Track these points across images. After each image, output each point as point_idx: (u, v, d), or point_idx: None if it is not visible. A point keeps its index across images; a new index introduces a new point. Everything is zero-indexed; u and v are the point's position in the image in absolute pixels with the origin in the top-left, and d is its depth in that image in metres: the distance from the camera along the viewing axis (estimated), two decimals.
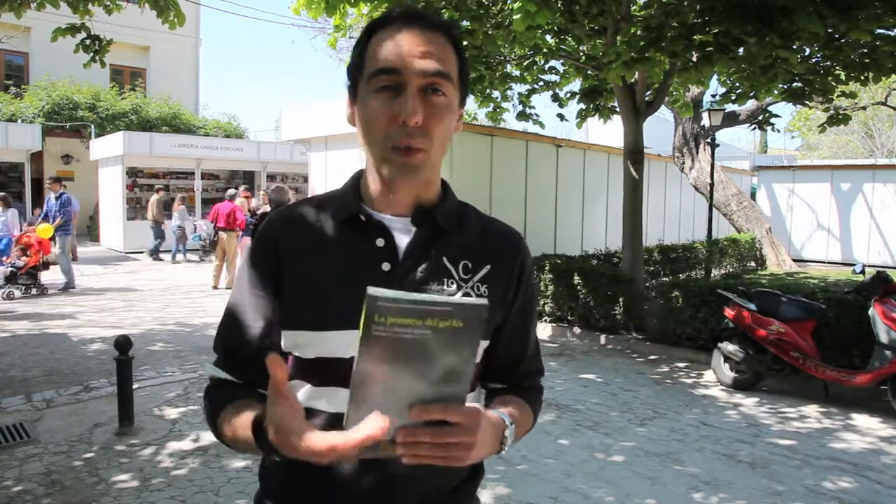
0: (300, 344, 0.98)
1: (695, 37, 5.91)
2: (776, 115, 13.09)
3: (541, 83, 9.08)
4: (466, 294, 0.99)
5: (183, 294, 9.57)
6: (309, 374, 0.98)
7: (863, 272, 5.33)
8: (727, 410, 4.75)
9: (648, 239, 10.80)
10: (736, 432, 4.26)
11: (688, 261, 11.01)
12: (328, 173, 10.67)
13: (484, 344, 1.04)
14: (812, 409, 4.79)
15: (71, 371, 5.35)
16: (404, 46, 0.92)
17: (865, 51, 6.41)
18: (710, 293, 6.05)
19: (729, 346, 5.23)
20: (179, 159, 15.71)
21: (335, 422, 0.91)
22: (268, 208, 10.26)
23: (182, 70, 21.56)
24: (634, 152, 7.55)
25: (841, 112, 8.18)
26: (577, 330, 7.18)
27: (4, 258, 9.16)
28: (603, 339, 6.92)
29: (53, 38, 5.54)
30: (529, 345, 1.13)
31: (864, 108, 15.85)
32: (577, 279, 7.19)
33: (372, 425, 0.72)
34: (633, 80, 7.15)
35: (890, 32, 6.15)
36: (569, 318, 7.37)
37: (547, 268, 7.50)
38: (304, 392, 0.98)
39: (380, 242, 0.98)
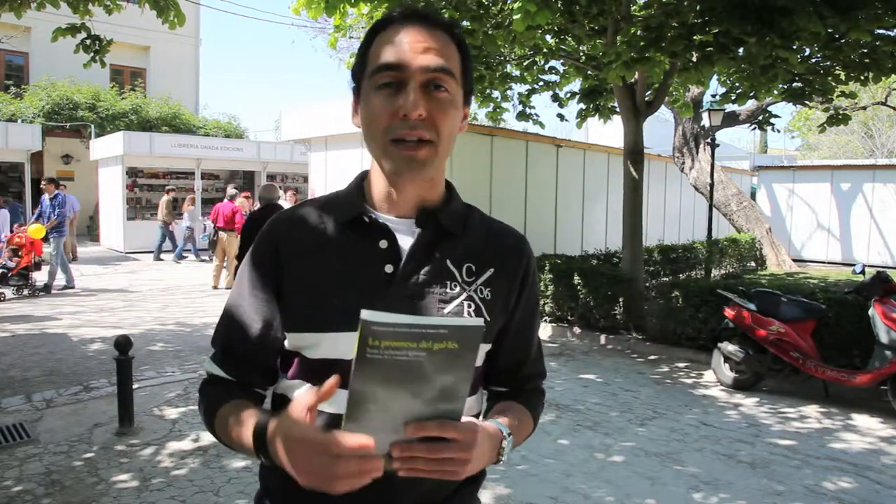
0: (304, 345, 0.98)
1: (695, 37, 5.91)
2: (776, 115, 13.12)
3: (541, 83, 9.08)
4: (469, 297, 0.99)
5: (183, 294, 9.57)
6: (311, 375, 0.98)
7: (863, 272, 5.33)
8: (727, 410, 4.75)
9: (648, 239, 10.80)
10: (736, 432, 4.26)
11: (688, 261, 11.02)
12: (328, 173, 10.66)
13: (486, 347, 1.03)
14: (812, 409, 4.79)
15: (71, 371, 5.35)
16: (406, 43, 0.92)
17: (865, 51, 6.41)
18: (710, 293, 6.05)
19: (729, 346, 5.23)
20: (179, 159, 15.70)
21: (335, 423, 0.91)
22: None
23: (182, 70, 21.56)
24: (634, 152, 7.55)
25: (841, 112, 8.18)
26: (577, 330, 7.18)
27: None
28: (603, 339, 6.92)
29: (53, 38, 5.54)
30: (532, 348, 1.12)
31: (864, 108, 15.85)
32: (577, 279, 7.19)
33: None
34: (633, 80, 7.15)
35: (890, 32, 6.15)
36: (569, 318, 7.37)
37: (547, 268, 7.50)
38: (303, 392, 0.98)
39: (383, 244, 0.97)
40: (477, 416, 1.06)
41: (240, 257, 5.28)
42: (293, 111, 11.72)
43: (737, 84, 8.17)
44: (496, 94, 8.95)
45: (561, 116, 9.58)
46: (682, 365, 6.08)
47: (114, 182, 15.39)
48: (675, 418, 4.52)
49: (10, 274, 8.74)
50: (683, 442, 4.07)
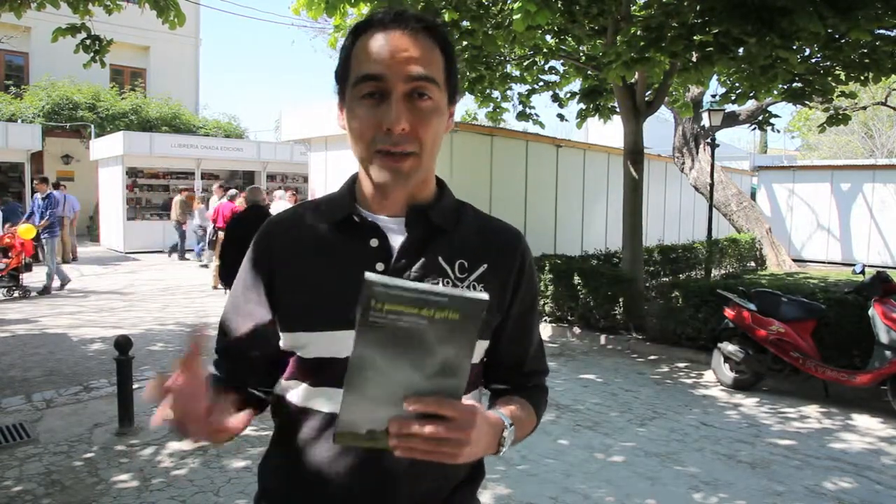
0: (298, 345, 0.98)
1: (695, 37, 5.91)
2: (776, 115, 13.10)
3: (541, 83, 9.08)
4: None
5: (183, 294, 9.57)
6: (306, 374, 0.98)
7: (863, 272, 5.33)
8: (727, 410, 4.75)
9: (648, 239, 10.80)
10: (736, 432, 4.26)
11: (688, 261, 11.02)
12: (328, 173, 10.67)
13: (484, 344, 1.03)
14: (812, 409, 4.79)
15: (71, 371, 5.35)
16: (388, 51, 0.91)
17: (865, 51, 6.41)
18: (710, 293, 6.05)
19: (729, 346, 5.23)
20: (179, 159, 15.70)
21: (332, 422, 0.91)
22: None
23: (182, 70, 21.56)
24: (634, 152, 7.55)
25: (841, 112, 8.18)
26: (577, 330, 7.18)
27: None
28: (603, 339, 6.92)
29: (53, 38, 5.54)
30: (532, 344, 1.12)
31: (864, 108, 15.85)
32: (577, 279, 7.19)
33: None
34: (633, 80, 7.15)
35: (890, 32, 6.15)
36: (569, 318, 7.37)
37: (547, 268, 7.50)
38: (301, 392, 0.99)
39: (374, 243, 0.98)
40: None
41: (222, 256, 5.28)
42: (293, 111, 11.72)
43: (737, 84, 8.17)
44: (496, 94, 8.94)
45: (561, 116, 9.57)
46: (682, 365, 6.08)
47: (114, 182, 15.39)
48: (675, 418, 4.52)
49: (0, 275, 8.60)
50: (683, 442, 4.07)
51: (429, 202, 1.02)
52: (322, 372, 0.96)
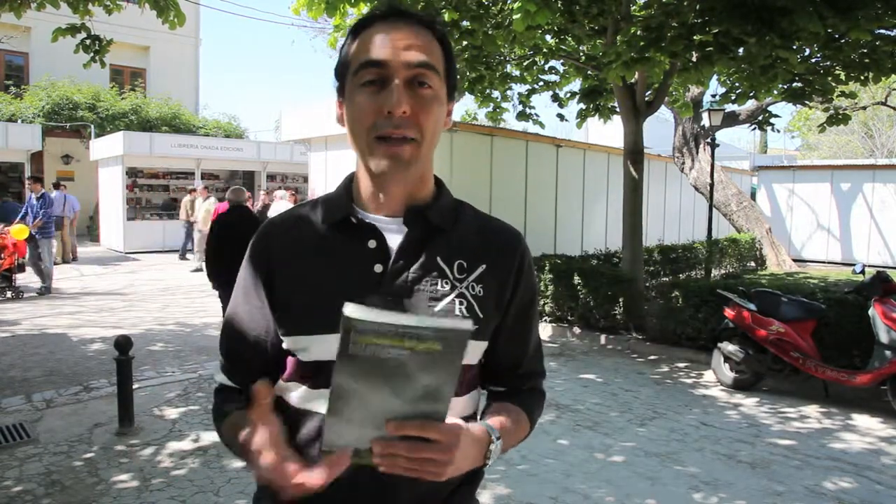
0: (297, 348, 0.98)
1: (695, 37, 5.91)
2: (776, 115, 13.10)
3: (541, 83, 9.07)
4: (460, 294, 0.98)
5: (183, 294, 9.57)
6: (306, 376, 0.98)
7: (863, 272, 5.33)
8: (727, 410, 4.75)
9: (648, 239, 10.80)
10: (736, 432, 4.26)
11: (688, 261, 11.02)
12: (328, 173, 10.67)
13: (483, 345, 1.03)
14: (812, 409, 4.79)
15: (71, 371, 5.35)
16: (389, 40, 0.92)
17: (865, 51, 6.41)
18: (710, 293, 6.05)
19: (729, 346, 5.23)
20: (179, 159, 15.70)
21: None
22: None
23: (182, 70, 21.56)
24: (634, 152, 7.55)
25: (841, 112, 8.18)
26: (577, 330, 7.18)
27: None
28: (603, 339, 6.92)
29: (53, 38, 5.54)
30: (529, 346, 1.11)
31: (864, 108, 15.84)
32: (577, 279, 7.19)
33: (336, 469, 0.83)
34: (633, 80, 7.15)
35: (890, 32, 6.15)
36: (569, 318, 7.37)
37: (547, 268, 7.50)
38: (300, 393, 0.99)
39: (371, 244, 0.97)
40: (473, 415, 1.06)
41: (207, 254, 5.47)
42: (293, 111, 11.72)
43: (737, 84, 8.17)
44: (496, 94, 8.93)
45: (561, 116, 9.57)
46: (682, 365, 6.08)
47: (114, 182, 15.39)
48: (675, 418, 4.52)
49: None
50: (683, 442, 4.07)
51: (427, 202, 1.02)
52: (321, 374, 0.95)
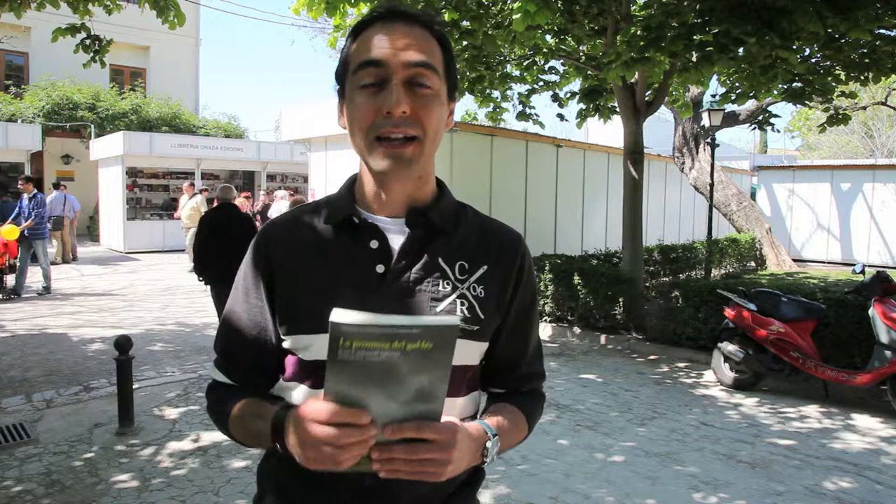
0: (299, 347, 0.98)
1: (695, 37, 5.90)
2: (776, 115, 13.10)
3: (541, 83, 9.07)
4: (462, 295, 0.98)
5: (183, 294, 9.57)
6: (307, 376, 0.98)
7: (863, 272, 5.33)
8: (727, 410, 4.75)
9: (648, 239, 10.80)
10: (736, 432, 4.26)
11: (688, 261, 11.01)
12: (328, 173, 10.67)
13: (483, 345, 1.03)
14: (812, 409, 4.79)
15: (71, 371, 5.35)
16: (387, 40, 0.93)
17: (865, 51, 6.40)
18: (710, 293, 6.05)
19: (729, 346, 5.23)
20: (179, 159, 15.71)
21: None
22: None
23: (182, 70, 21.57)
24: (634, 152, 7.55)
25: (841, 112, 8.17)
26: (577, 330, 7.18)
27: None
28: (603, 339, 6.92)
29: (53, 38, 5.55)
30: (529, 347, 1.11)
31: (864, 108, 15.85)
32: (577, 279, 7.19)
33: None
34: (633, 80, 7.15)
35: (890, 32, 6.15)
36: (569, 318, 7.37)
37: (547, 268, 7.50)
38: (301, 393, 0.99)
39: (374, 244, 0.98)
40: (474, 417, 1.06)
41: (195, 250, 5.67)
42: (293, 111, 11.72)
43: (737, 84, 8.17)
44: (496, 94, 8.94)
45: (561, 116, 9.57)
46: (682, 365, 6.08)
47: (114, 182, 15.39)
48: (675, 418, 4.52)
49: None
50: (683, 442, 4.07)
51: (429, 203, 1.02)
52: (322, 373, 0.95)
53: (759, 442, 4.09)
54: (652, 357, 6.38)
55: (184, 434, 4.02)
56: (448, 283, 0.98)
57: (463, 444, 0.85)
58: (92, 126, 16.99)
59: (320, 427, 0.78)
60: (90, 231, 17.67)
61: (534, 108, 9.30)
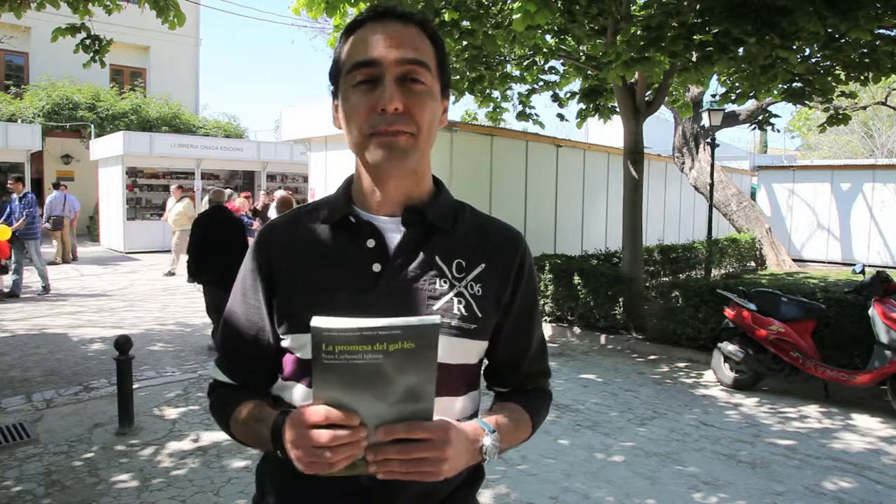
0: (297, 346, 0.98)
1: (695, 37, 5.90)
2: (776, 115, 13.13)
3: (541, 83, 9.07)
4: (459, 293, 0.98)
5: (183, 294, 9.57)
6: (304, 375, 0.98)
7: (863, 272, 5.33)
8: (727, 410, 4.75)
9: (648, 239, 10.80)
10: (736, 432, 4.26)
11: (688, 261, 11.01)
12: (328, 173, 10.66)
13: (483, 345, 1.03)
14: (812, 409, 4.79)
15: (71, 371, 5.35)
16: (379, 39, 0.93)
17: (865, 51, 6.40)
18: (710, 293, 6.05)
19: (729, 346, 5.23)
20: (179, 159, 15.70)
21: None
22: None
23: (182, 70, 21.57)
24: (634, 152, 7.55)
25: (841, 112, 8.17)
26: (577, 330, 7.18)
27: None
28: (603, 339, 6.92)
29: (53, 38, 5.54)
30: (531, 345, 1.11)
31: (864, 108, 15.85)
32: (577, 279, 7.19)
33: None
34: (633, 80, 7.15)
35: (890, 32, 6.14)
36: (569, 318, 7.37)
37: (547, 268, 7.50)
38: (300, 392, 0.99)
39: (370, 243, 0.98)
40: (474, 416, 1.06)
41: (189, 252, 5.89)
42: (293, 111, 11.72)
43: (737, 84, 8.17)
44: (496, 94, 8.93)
45: (561, 116, 9.57)
46: (682, 365, 6.08)
47: (114, 182, 15.39)
48: (675, 418, 4.52)
49: None
50: (683, 442, 4.07)
51: (426, 201, 1.02)
52: None
53: (759, 442, 4.09)
54: (652, 357, 6.38)
55: (184, 434, 4.02)
56: (445, 282, 0.98)
57: (458, 442, 0.85)
58: (92, 126, 16.99)
59: (312, 430, 0.79)
60: (90, 231, 17.66)
61: (534, 108, 9.30)
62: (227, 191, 11.27)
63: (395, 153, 0.93)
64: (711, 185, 11.13)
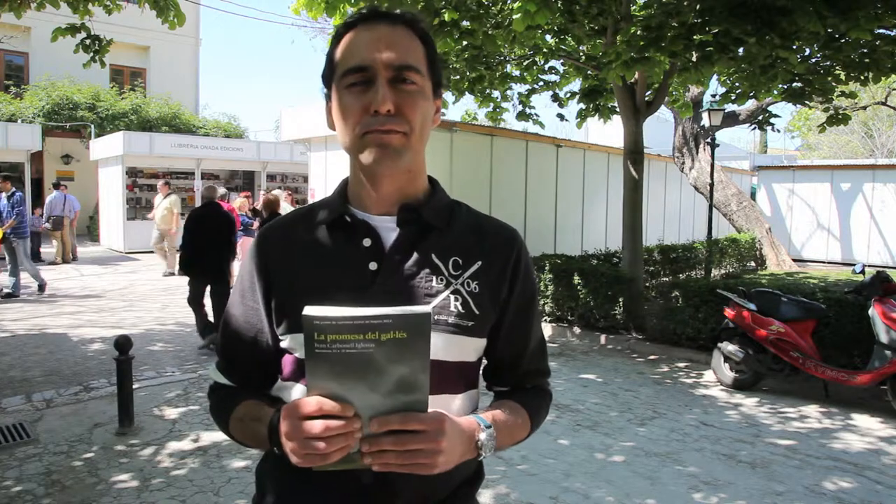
0: (296, 345, 0.98)
1: (695, 37, 5.90)
2: (776, 115, 13.14)
3: (541, 83, 9.07)
4: (456, 291, 0.99)
5: (183, 294, 9.54)
6: (303, 375, 0.98)
7: (863, 272, 5.33)
8: (727, 410, 4.75)
9: (648, 239, 10.80)
10: (736, 432, 4.26)
11: (688, 261, 11.02)
12: (328, 173, 10.66)
13: (480, 342, 1.03)
14: (812, 409, 4.79)
15: (71, 371, 5.35)
16: (370, 43, 0.94)
17: (865, 51, 6.40)
18: (710, 293, 6.05)
19: (729, 346, 5.23)
20: (179, 159, 15.69)
21: None
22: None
23: (182, 70, 21.56)
24: (634, 152, 7.55)
25: (841, 112, 8.17)
26: (577, 330, 7.18)
27: None
28: (603, 339, 6.92)
29: (53, 38, 5.55)
30: (529, 343, 1.10)
31: (864, 108, 15.85)
32: (577, 279, 7.19)
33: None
34: (633, 80, 7.15)
35: (890, 32, 6.14)
36: (569, 318, 7.37)
37: (547, 268, 7.50)
38: (299, 392, 0.99)
39: (366, 242, 0.99)
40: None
41: (182, 248, 6.18)
42: (293, 111, 11.72)
43: (737, 84, 8.17)
44: (496, 94, 8.94)
45: (561, 116, 9.57)
46: (682, 365, 6.08)
47: (114, 182, 15.39)
48: (675, 418, 4.52)
49: None
50: (683, 442, 4.07)
51: (421, 200, 1.03)
52: None
53: (759, 442, 4.09)
54: (652, 357, 6.38)
55: (184, 434, 4.02)
56: (441, 279, 0.99)
57: (453, 434, 0.85)
58: (92, 126, 16.99)
59: (305, 421, 0.79)
60: (90, 231, 17.66)
61: (534, 108, 9.31)
62: (222, 190, 11.34)
63: (387, 152, 0.94)
64: (711, 185, 11.13)
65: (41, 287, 9.10)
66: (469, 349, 1.01)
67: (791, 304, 5.09)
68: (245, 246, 9.28)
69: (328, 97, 1.02)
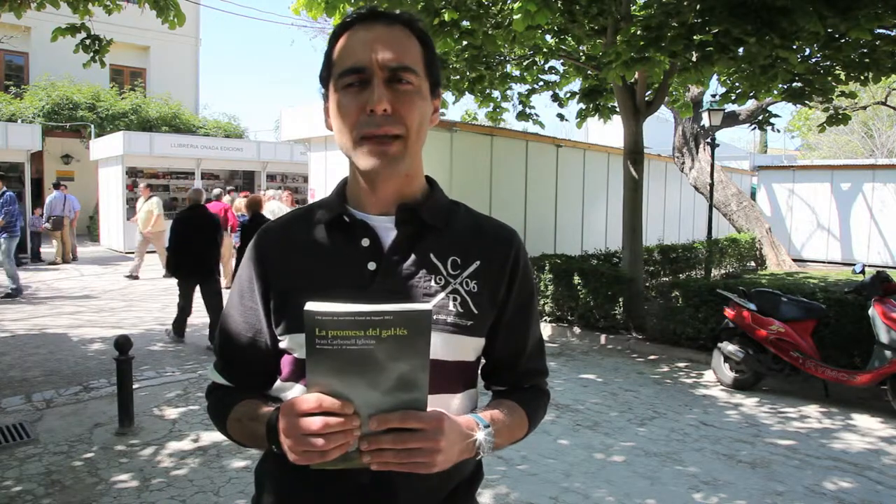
0: (295, 345, 0.99)
1: (695, 37, 5.91)
2: (776, 115, 13.14)
3: (541, 83, 9.07)
4: (454, 290, 0.99)
5: None
6: (302, 375, 0.98)
7: (863, 272, 5.33)
8: (727, 410, 4.75)
9: (648, 239, 10.79)
10: (736, 432, 4.26)
11: (688, 261, 11.02)
12: (328, 173, 10.66)
13: (480, 342, 1.03)
14: (812, 409, 4.79)
15: (71, 371, 5.35)
16: (366, 44, 0.94)
17: (865, 51, 6.40)
18: (710, 293, 6.05)
19: (729, 346, 5.23)
20: (179, 159, 15.70)
21: None
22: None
23: (182, 70, 21.56)
24: (634, 152, 7.55)
25: (841, 112, 8.17)
26: (577, 330, 7.18)
27: None
28: (603, 339, 6.92)
29: (53, 38, 5.55)
30: (528, 342, 1.11)
31: (864, 108, 15.85)
32: (577, 279, 7.19)
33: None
34: (633, 80, 7.15)
35: (890, 32, 6.14)
36: (569, 318, 7.37)
37: (547, 268, 7.50)
38: (297, 393, 0.99)
39: (365, 242, 0.99)
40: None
41: (168, 249, 6.37)
42: (293, 111, 11.72)
43: (737, 84, 8.17)
44: (496, 94, 8.94)
45: (561, 116, 9.57)
46: (682, 365, 6.08)
47: (114, 182, 15.39)
48: (675, 418, 4.52)
49: None
50: (683, 442, 4.07)
51: (419, 200, 1.03)
52: None
53: (759, 442, 4.09)
54: (652, 357, 6.38)
55: (184, 434, 4.02)
56: (440, 279, 0.99)
57: (451, 433, 0.85)
58: (92, 126, 16.99)
59: (304, 418, 0.79)
60: (90, 231, 17.66)
61: (534, 108, 9.32)
62: (216, 190, 11.38)
63: (384, 161, 0.94)
64: (711, 185, 11.12)
65: (15, 291, 8.74)
66: (468, 349, 1.01)
67: (791, 304, 5.09)
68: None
69: (326, 97, 1.02)
